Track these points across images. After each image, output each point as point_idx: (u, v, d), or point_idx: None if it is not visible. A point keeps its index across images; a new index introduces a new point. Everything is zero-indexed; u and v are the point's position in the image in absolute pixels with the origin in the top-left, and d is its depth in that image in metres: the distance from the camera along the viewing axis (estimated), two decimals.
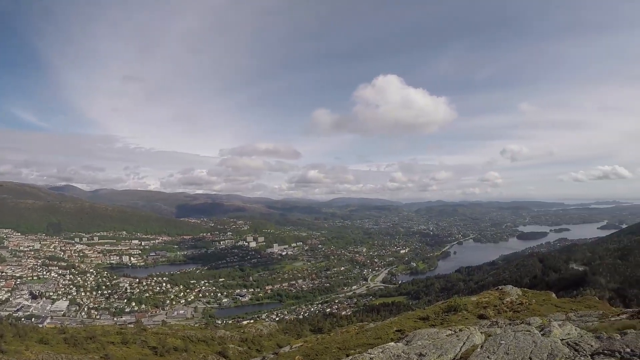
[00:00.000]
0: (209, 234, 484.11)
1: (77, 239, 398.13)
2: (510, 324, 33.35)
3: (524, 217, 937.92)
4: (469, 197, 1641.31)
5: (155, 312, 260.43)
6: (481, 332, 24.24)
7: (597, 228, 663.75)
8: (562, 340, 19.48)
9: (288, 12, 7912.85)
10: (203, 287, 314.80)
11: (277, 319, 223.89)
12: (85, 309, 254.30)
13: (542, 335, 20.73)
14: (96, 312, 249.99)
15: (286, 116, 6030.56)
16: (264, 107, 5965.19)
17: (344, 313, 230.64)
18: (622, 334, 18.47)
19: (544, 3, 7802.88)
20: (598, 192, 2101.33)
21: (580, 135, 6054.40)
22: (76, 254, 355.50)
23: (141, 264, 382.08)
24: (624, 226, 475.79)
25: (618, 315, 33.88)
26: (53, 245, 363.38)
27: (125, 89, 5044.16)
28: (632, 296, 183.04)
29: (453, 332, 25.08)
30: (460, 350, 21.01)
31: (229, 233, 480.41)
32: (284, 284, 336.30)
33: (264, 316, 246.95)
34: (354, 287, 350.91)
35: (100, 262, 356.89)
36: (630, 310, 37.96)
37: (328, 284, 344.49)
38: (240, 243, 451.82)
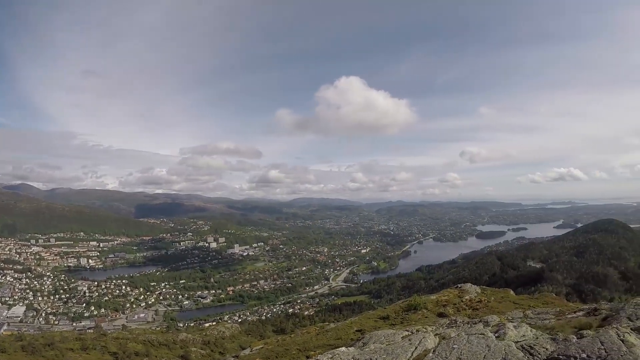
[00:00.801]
0: (168, 234, 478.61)
1: (33, 241, 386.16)
2: (468, 323, 34.15)
3: (482, 217, 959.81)
4: (429, 198, 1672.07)
5: (115, 316, 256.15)
6: (435, 335, 23.89)
7: (554, 227, 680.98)
8: (517, 342, 19.32)
9: (252, 11, 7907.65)
10: (164, 290, 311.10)
11: (240, 320, 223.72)
12: (43, 314, 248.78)
13: (497, 337, 20.66)
14: (54, 318, 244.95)
15: (248, 115, 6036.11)
16: (226, 105, 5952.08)
17: (306, 313, 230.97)
18: (578, 335, 18.55)
19: (505, 11, 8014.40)
20: (554, 193, 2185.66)
21: (537, 138, 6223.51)
22: (32, 257, 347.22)
23: (100, 266, 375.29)
24: (579, 225, 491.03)
25: (574, 312, 34.62)
26: (8, 247, 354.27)
27: (84, 84, 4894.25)
28: (588, 291, 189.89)
29: (410, 333, 25.34)
30: (412, 355, 20.85)
31: (189, 234, 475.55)
32: (245, 285, 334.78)
33: (226, 318, 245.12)
34: (316, 287, 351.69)
35: (57, 264, 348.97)
36: (587, 307, 39.03)
37: (290, 284, 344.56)
38: (201, 244, 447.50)
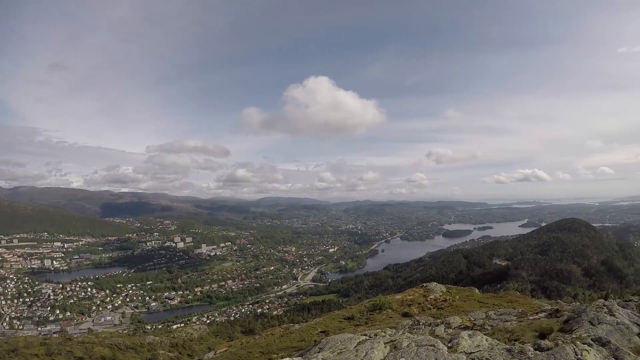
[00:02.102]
0: (135, 234, 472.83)
1: None
2: (430, 325, 34.87)
3: (449, 216, 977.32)
4: (396, 197, 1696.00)
5: (81, 319, 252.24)
6: (387, 343, 22.59)
7: (519, 226, 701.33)
8: (469, 354, 19.05)
9: (222, 8, 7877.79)
10: (130, 291, 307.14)
11: (208, 321, 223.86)
12: (7, 318, 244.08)
13: (449, 348, 20.31)
14: (18, 322, 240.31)
15: (216, 113, 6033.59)
16: (193, 103, 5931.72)
17: (275, 313, 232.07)
18: (535, 346, 18.47)
19: (474, 16, 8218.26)
20: (519, 193, 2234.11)
21: (503, 140, 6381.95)
22: None
23: (64, 268, 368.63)
24: (543, 224, 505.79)
25: (537, 313, 35.50)
26: None
27: (50, 78, 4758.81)
28: (553, 287, 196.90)
29: (367, 338, 25.26)
30: None
31: (155, 233, 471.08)
32: (213, 285, 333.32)
33: (194, 319, 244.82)
34: (284, 286, 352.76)
35: (20, 266, 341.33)
36: (549, 307, 40.14)
37: (258, 284, 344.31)
38: (168, 244, 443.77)
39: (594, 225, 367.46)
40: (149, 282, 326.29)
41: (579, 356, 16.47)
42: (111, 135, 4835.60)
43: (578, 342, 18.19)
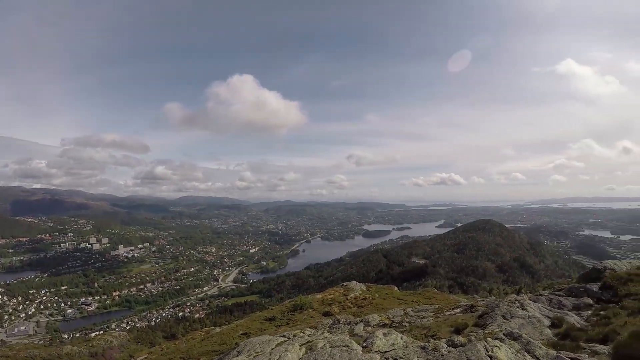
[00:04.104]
0: (47, 234, 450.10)
1: None
2: (349, 323, 36.46)
3: (368, 216, 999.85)
4: (317, 198, 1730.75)
5: None
6: (302, 345, 21.98)
7: (436, 226, 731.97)
8: (384, 353, 19.01)
9: None
10: (44, 298, 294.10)
11: (128, 327, 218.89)
12: None
13: (364, 348, 20.44)
14: None
15: (136, 107, 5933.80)
16: (113, 94, 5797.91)
17: (197, 316, 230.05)
18: (450, 343, 18.77)
19: (399, 27, 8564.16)
20: (436, 196, 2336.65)
21: (421, 145, 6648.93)
22: None
23: None
24: (459, 225, 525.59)
25: (453, 309, 37.80)
26: None
27: None
28: (469, 283, 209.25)
29: (286, 339, 25.42)
30: None
31: (70, 234, 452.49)
32: (132, 289, 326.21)
33: (113, 325, 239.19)
34: (205, 288, 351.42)
35: None
36: (465, 303, 42.84)
37: (178, 287, 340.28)
38: (83, 245, 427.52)
39: (506, 225, 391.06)
40: (63, 287, 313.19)
41: (490, 352, 16.86)
42: (23, 125, 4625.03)
43: (489, 339, 18.75)
